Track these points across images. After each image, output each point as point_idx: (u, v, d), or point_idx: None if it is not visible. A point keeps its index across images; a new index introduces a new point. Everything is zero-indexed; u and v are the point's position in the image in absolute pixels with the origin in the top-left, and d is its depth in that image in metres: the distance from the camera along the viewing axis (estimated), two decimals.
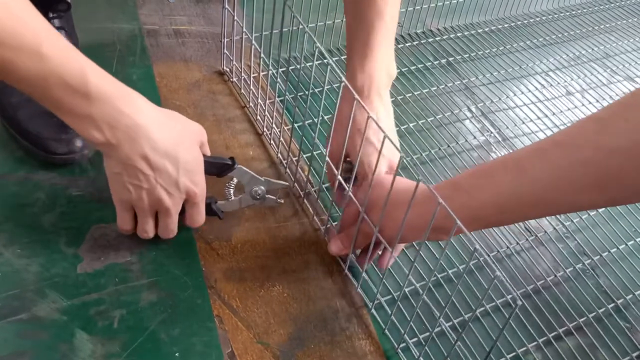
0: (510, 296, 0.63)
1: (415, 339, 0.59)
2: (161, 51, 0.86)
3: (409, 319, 0.58)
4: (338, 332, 0.59)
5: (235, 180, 0.64)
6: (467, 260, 0.66)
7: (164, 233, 0.60)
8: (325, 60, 0.89)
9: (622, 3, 1.27)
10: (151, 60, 0.84)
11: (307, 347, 0.57)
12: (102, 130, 0.51)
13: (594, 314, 0.65)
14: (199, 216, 0.60)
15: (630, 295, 0.68)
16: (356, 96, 0.52)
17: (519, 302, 0.39)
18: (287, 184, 0.68)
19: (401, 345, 0.58)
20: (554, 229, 0.74)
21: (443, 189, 0.50)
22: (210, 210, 0.62)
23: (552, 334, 0.62)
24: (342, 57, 0.92)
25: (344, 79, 0.54)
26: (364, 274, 0.62)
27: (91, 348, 0.53)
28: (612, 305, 0.67)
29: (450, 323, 0.61)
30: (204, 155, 0.59)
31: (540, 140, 0.49)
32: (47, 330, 0.53)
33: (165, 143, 0.54)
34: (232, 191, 0.64)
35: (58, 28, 0.72)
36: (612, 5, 1.25)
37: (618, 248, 0.73)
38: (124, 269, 0.59)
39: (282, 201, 0.67)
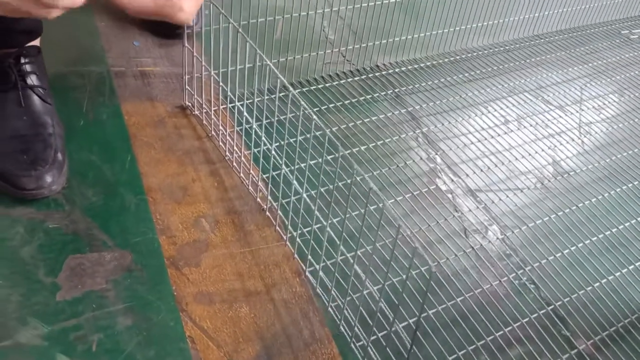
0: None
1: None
2: (128, 91, 0.91)
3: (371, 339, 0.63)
4: (302, 348, 0.64)
5: None
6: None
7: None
8: (288, 93, 0.96)
9: (551, 39, 1.39)
10: (119, 100, 0.89)
11: None
12: None
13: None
14: None
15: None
16: None
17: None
18: None
19: None
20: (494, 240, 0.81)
21: None
22: None
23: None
24: (304, 89, 1.00)
25: None
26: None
27: None
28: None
29: (404, 323, 0.67)
30: None
31: None
32: (30, 356, 0.57)
33: None
34: None
35: (30, 72, 0.77)
36: (542, 40, 1.38)
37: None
38: (101, 296, 0.63)
39: None
